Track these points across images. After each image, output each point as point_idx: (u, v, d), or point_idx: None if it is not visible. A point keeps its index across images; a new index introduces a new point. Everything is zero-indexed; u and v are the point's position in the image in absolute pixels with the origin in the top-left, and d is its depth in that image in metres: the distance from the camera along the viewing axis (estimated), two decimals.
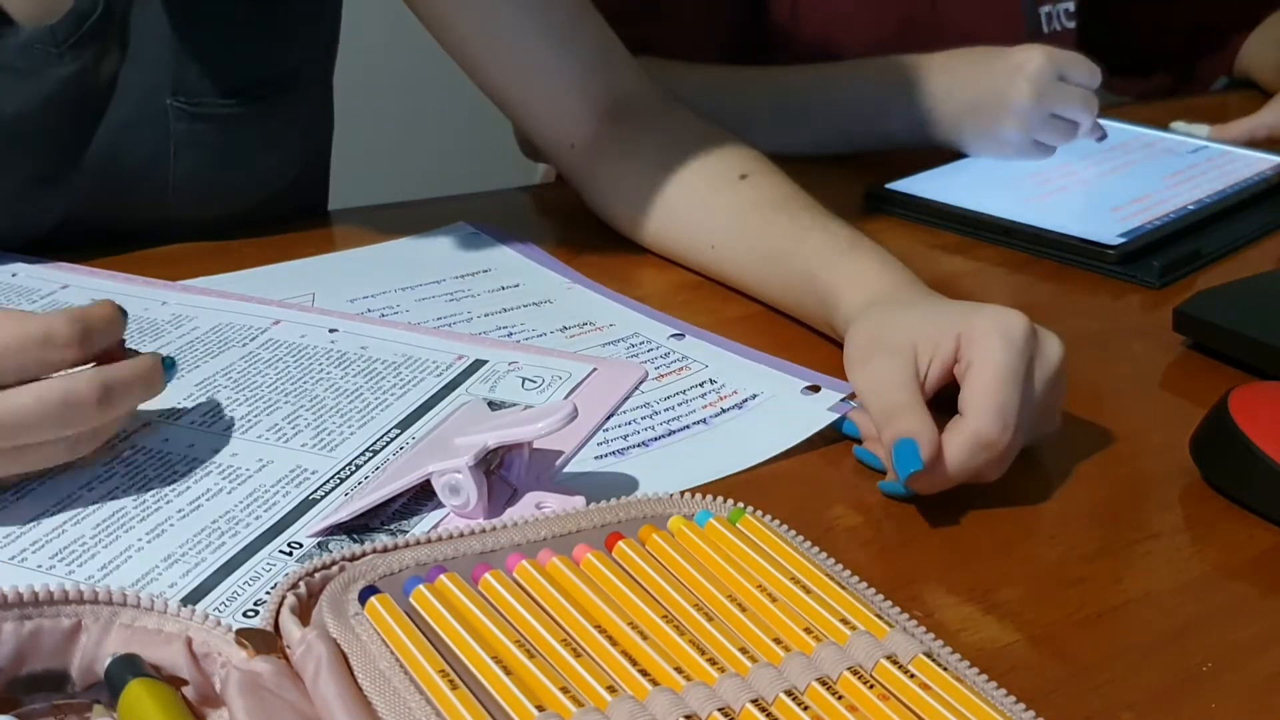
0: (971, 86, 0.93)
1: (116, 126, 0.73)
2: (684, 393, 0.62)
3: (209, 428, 0.57)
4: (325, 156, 0.89)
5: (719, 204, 0.74)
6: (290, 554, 0.49)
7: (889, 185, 0.89)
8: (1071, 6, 1.18)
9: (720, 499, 0.49)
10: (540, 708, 0.37)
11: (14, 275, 0.72)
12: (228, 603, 0.46)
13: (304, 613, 0.41)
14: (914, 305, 0.59)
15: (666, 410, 0.60)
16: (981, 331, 0.54)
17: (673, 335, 0.67)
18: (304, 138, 0.82)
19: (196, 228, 0.78)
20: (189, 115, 0.74)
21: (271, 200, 0.81)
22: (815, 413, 0.59)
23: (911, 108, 0.95)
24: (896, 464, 0.51)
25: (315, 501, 0.52)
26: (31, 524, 0.50)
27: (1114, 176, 0.92)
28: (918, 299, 0.60)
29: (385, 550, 0.44)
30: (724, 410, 0.60)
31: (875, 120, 0.97)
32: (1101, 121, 1.04)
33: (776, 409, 0.60)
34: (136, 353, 0.52)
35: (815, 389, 0.61)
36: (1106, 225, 0.82)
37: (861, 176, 0.91)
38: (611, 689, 0.38)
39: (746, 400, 0.61)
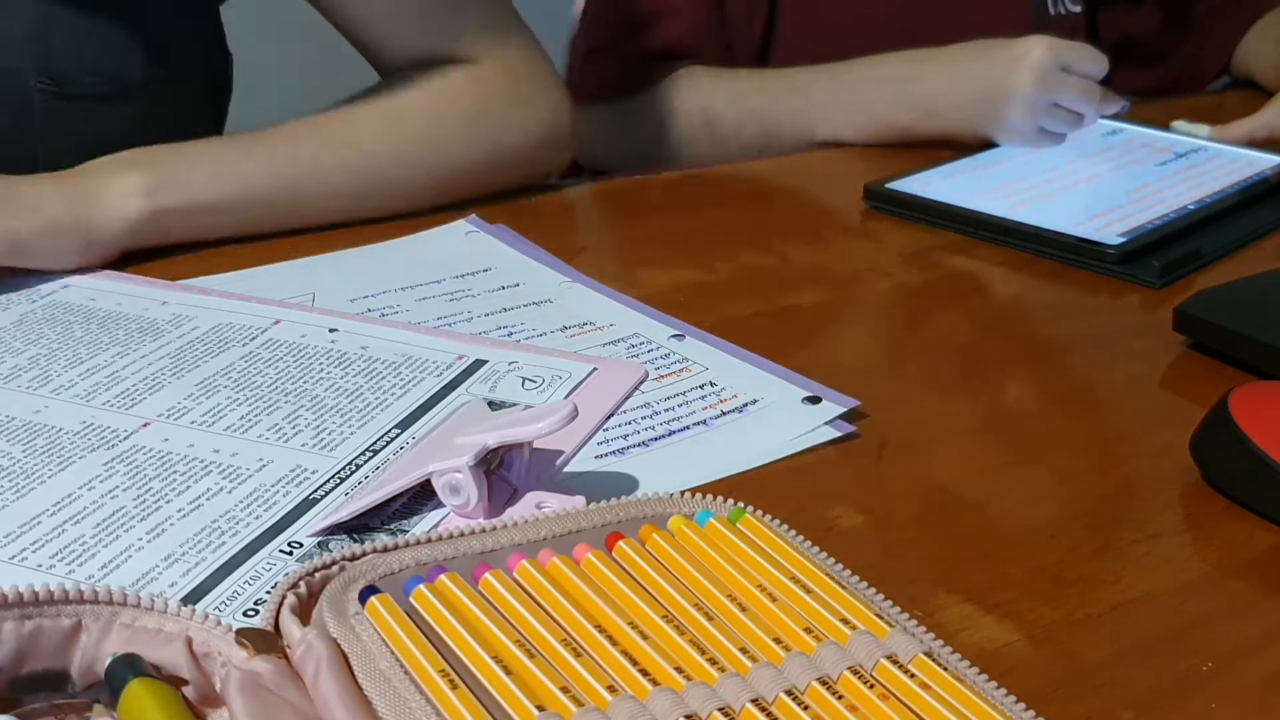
0: (977, 77, 0.98)
1: None
2: (684, 394, 0.62)
3: (209, 428, 0.57)
4: None
5: None
6: (290, 554, 0.49)
7: (889, 185, 0.89)
8: None
9: (720, 499, 0.49)
10: (540, 707, 0.37)
11: (14, 274, 0.72)
12: (228, 602, 0.46)
13: (304, 612, 0.41)
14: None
15: (667, 411, 0.60)
16: None
17: (673, 336, 0.67)
18: (182, 138, 0.81)
19: None
20: (55, 96, 0.73)
21: None
22: (815, 425, 0.59)
23: (922, 99, 1.00)
24: None
25: (315, 501, 0.52)
26: (31, 524, 0.50)
27: (1114, 176, 0.92)
28: None
29: (385, 550, 0.44)
30: (724, 413, 0.60)
31: (887, 113, 1.02)
32: (1103, 121, 1.04)
33: (776, 417, 0.60)
34: None
35: (816, 400, 0.61)
36: (1106, 225, 0.82)
37: (861, 176, 0.91)
38: (612, 689, 0.38)
39: (746, 405, 0.61)
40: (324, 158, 0.78)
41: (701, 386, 0.62)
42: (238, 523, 0.50)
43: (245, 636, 0.39)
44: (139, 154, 0.74)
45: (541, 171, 0.88)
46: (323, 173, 0.78)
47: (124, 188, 0.72)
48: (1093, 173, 0.93)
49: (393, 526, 0.51)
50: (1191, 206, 0.86)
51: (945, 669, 0.41)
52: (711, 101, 1.08)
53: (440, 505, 0.51)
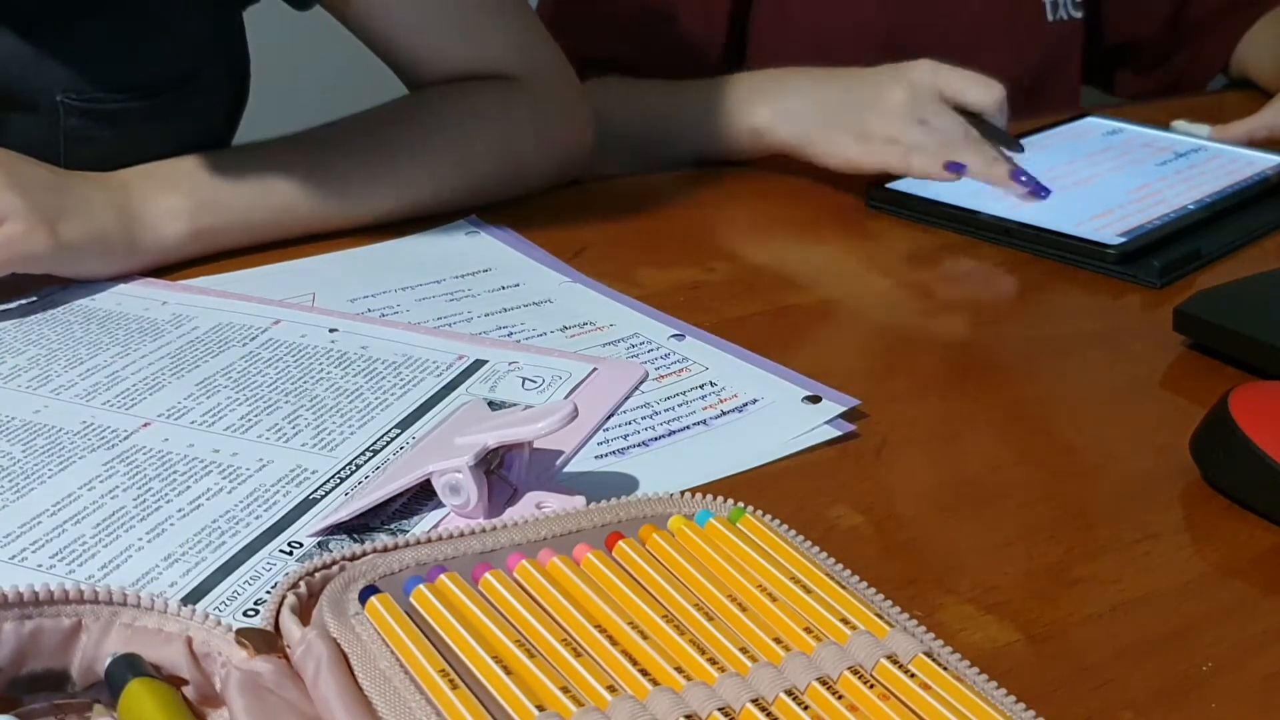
0: (858, 90, 0.92)
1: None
2: (684, 394, 0.62)
3: (209, 428, 0.57)
4: None
5: None
6: (290, 553, 0.49)
7: (889, 185, 0.89)
8: None
9: (720, 499, 0.49)
10: (540, 707, 0.37)
11: (12, 275, 0.72)
12: (228, 602, 0.46)
13: (304, 612, 0.42)
14: None
15: (666, 411, 0.60)
16: None
17: (673, 336, 0.67)
18: (202, 146, 0.81)
19: None
20: (80, 111, 0.73)
21: None
22: (815, 424, 0.59)
23: (802, 115, 0.94)
24: None
25: (315, 501, 0.52)
26: (31, 524, 0.50)
27: (1114, 176, 0.92)
28: None
29: (385, 550, 0.44)
30: (724, 413, 0.60)
31: (769, 130, 0.95)
32: (1103, 121, 1.04)
33: (776, 416, 0.60)
34: None
35: (816, 399, 0.61)
36: (1106, 225, 0.82)
37: (862, 176, 0.91)
38: (612, 689, 0.38)
39: (746, 405, 0.61)
40: (357, 175, 0.79)
41: (701, 386, 0.62)
42: (238, 523, 0.50)
43: (245, 636, 0.39)
44: (178, 169, 0.75)
45: (560, 183, 0.90)
46: (356, 190, 0.79)
47: (168, 208, 0.73)
48: (1093, 173, 0.93)
49: (393, 526, 0.51)
50: (1191, 206, 0.86)
51: (945, 669, 0.41)
52: (610, 113, 1.05)
53: (440, 505, 0.51)
